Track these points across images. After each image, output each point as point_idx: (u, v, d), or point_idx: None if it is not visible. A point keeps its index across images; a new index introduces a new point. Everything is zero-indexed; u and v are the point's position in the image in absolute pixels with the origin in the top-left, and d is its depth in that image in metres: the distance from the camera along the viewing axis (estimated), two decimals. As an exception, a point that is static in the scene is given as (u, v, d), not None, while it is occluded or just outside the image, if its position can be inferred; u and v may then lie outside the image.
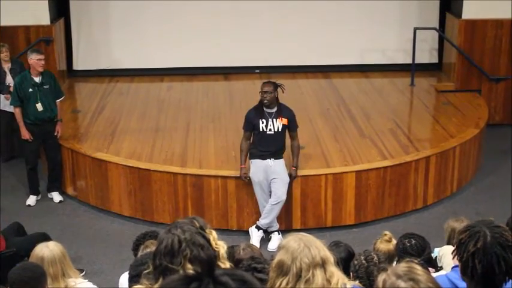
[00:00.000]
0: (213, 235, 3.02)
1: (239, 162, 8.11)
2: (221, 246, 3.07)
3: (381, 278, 2.67)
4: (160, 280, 2.86)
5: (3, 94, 9.54)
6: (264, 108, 7.78)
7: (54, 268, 4.60)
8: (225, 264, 3.09)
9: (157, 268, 2.90)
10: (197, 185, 8.12)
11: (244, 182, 7.94)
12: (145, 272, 2.99)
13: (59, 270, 4.63)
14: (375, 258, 4.44)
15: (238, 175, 7.93)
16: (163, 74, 11.89)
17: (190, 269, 2.81)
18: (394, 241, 5.35)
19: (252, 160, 7.86)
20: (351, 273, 4.39)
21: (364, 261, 4.42)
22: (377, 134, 9.24)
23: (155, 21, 11.73)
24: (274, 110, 7.79)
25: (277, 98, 7.81)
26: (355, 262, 4.46)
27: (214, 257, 2.96)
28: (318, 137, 9.12)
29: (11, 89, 9.03)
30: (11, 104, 8.84)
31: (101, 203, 8.69)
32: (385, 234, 5.42)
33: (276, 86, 7.78)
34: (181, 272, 2.81)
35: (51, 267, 4.59)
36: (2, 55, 9.52)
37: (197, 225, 2.98)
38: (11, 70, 9.50)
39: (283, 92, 7.90)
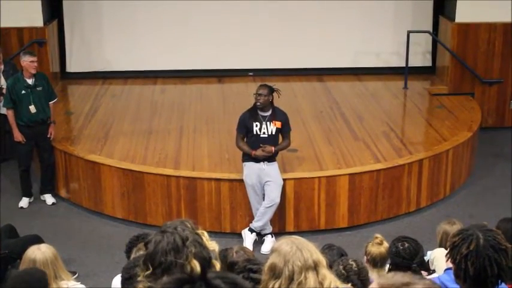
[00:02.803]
0: (205, 236, 3.05)
1: (232, 164, 8.13)
2: (214, 246, 3.10)
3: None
4: (164, 278, 2.85)
5: None
6: (258, 111, 7.77)
7: (46, 270, 4.59)
8: (217, 265, 3.11)
9: (160, 266, 2.90)
10: (190, 187, 8.11)
11: (237, 184, 7.94)
12: (146, 273, 2.97)
13: (51, 272, 4.62)
14: (354, 265, 4.40)
15: (256, 154, 7.71)
16: (157, 77, 11.88)
17: (195, 265, 2.83)
18: (386, 244, 5.35)
19: (246, 163, 7.85)
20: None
21: (343, 271, 4.38)
22: (370, 136, 9.25)
23: (149, 24, 11.72)
24: (269, 113, 7.78)
25: (271, 102, 7.81)
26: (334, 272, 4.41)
27: (211, 257, 2.99)
28: (311, 140, 9.13)
29: (4, 91, 9.01)
30: (3, 106, 8.82)
31: (93, 205, 8.67)
32: (376, 237, 5.42)
33: (271, 90, 7.77)
34: (188, 267, 2.84)
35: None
36: None
37: (189, 226, 3.00)
38: (3, 72, 9.47)
39: (278, 96, 7.89)
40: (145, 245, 3.05)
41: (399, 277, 2.50)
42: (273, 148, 7.76)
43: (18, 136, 8.55)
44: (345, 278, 4.32)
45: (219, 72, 11.92)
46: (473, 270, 3.05)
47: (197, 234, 2.99)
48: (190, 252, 2.88)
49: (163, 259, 2.90)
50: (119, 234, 8.04)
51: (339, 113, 10.18)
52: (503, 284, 3.15)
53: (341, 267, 4.38)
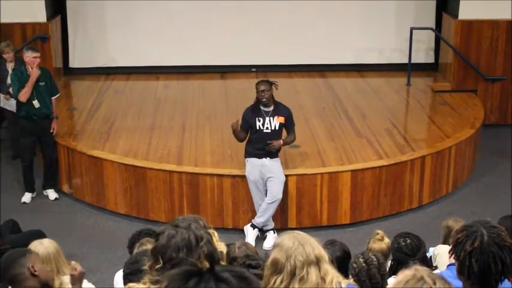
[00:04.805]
0: (215, 236, 3.03)
1: (235, 160, 8.15)
2: (223, 248, 3.09)
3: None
4: (172, 270, 2.83)
5: (2, 94, 9.51)
6: (261, 107, 7.78)
7: (48, 265, 4.58)
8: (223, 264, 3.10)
9: (170, 261, 2.88)
10: (193, 183, 8.12)
11: (240, 180, 7.96)
12: (157, 266, 2.95)
13: (53, 267, 4.62)
14: (375, 260, 4.41)
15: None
16: (159, 72, 11.88)
17: (206, 266, 2.81)
18: (387, 239, 5.36)
19: (248, 159, 7.86)
20: (351, 276, 4.37)
21: (364, 264, 4.39)
22: (373, 133, 9.24)
23: (151, 19, 11.72)
24: (271, 108, 7.79)
25: (272, 96, 7.82)
26: (355, 265, 4.41)
27: (219, 257, 2.98)
28: (314, 136, 9.13)
29: (11, 90, 9.02)
30: (15, 97, 8.69)
31: (96, 200, 8.68)
32: (377, 233, 5.42)
33: (270, 83, 7.79)
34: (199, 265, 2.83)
35: (45, 265, 4.58)
36: (6, 55, 9.50)
37: (202, 224, 2.99)
38: (13, 70, 9.41)
39: (276, 89, 7.90)
40: (157, 236, 3.03)
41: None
42: (281, 141, 7.77)
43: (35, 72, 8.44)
44: (366, 271, 4.32)
45: (222, 68, 11.92)
46: (477, 267, 3.04)
47: (208, 233, 2.98)
48: (203, 253, 2.87)
49: (175, 255, 2.87)
50: (121, 229, 8.06)
51: (342, 110, 10.18)
52: (506, 281, 3.15)
53: (362, 260, 4.38)
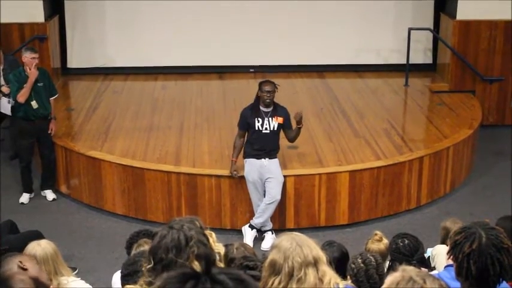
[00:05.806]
0: (212, 237, 3.03)
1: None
2: (220, 248, 3.09)
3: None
4: (168, 273, 2.84)
5: None
6: (260, 107, 7.78)
7: (46, 266, 4.59)
8: (220, 265, 3.09)
9: (161, 262, 2.89)
10: (191, 183, 8.12)
11: (238, 180, 7.95)
12: (148, 266, 2.96)
13: (51, 268, 4.62)
14: (373, 260, 4.42)
15: (229, 172, 7.93)
16: (158, 73, 11.88)
17: (196, 266, 2.81)
18: (385, 240, 5.36)
19: (247, 159, 7.86)
20: (349, 277, 4.38)
21: (362, 265, 4.39)
22: (371, 134, 9.25)
23: (150, 20, 11.71)
24: (270, 109, 7.79)
25: (272, 97, 7.84)
26: (353, 266, 4.42)
27: (215, 258, 2.97)
28: (312, 137, 9.13)
29: (3, 89, 8.99)
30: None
31: (94, 201, 8.68)
32: (376, 234, 5.43)
33: (275, 84, 7.80)
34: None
35: (43, 266, 4.57)
36: None
37: (198, 225, 2.99)
38: (3, 70, 9.38)
39: (276, 91, 7.90)
40: (152, 237, 3.04)
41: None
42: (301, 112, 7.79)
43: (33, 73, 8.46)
44: (364, 272, 4.33)
45: (220, 68, 11.92)
46: (476, 269, 3.05)
47: (204, 234, 2.97)
48: (192, 253, 2.86)
49: (164, 255, 2.88)
50: (119, 230, 8.06)
51: (340, 110, 10.18)
52: (504, 282, 3.15)
53: (360, 260, 4.39)
